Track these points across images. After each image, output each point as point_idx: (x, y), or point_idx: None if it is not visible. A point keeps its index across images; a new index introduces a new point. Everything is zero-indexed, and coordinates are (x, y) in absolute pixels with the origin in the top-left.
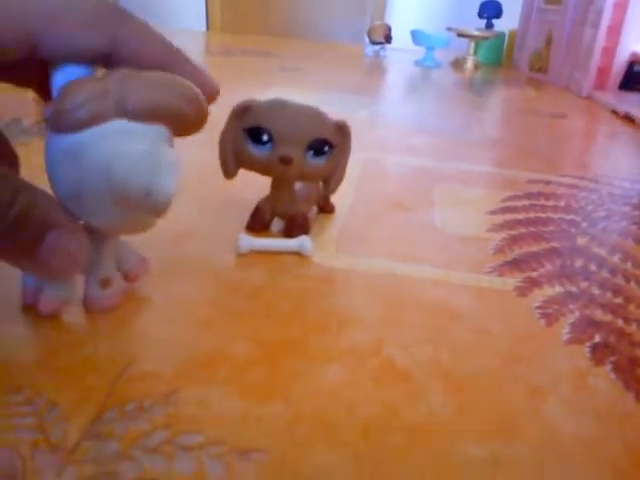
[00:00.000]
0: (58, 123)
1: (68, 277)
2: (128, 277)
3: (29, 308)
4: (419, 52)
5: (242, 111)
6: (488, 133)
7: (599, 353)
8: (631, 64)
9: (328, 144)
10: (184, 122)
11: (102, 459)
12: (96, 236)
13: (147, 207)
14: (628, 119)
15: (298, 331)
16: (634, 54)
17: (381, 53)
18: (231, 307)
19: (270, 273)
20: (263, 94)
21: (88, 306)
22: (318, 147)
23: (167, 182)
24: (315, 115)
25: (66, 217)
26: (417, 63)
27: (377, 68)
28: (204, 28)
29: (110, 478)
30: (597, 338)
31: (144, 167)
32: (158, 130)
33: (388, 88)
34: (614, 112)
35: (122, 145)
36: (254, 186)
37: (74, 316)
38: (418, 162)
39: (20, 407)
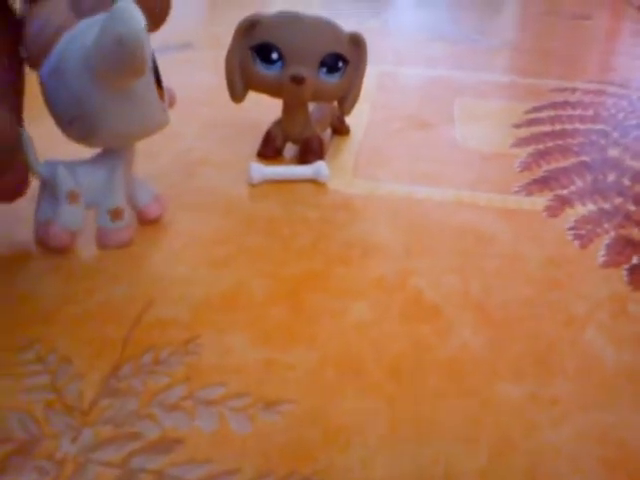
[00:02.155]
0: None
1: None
2: (143, 215)
3: (41, 245)
4: None
5: (248, 27)
6: (507, 38)
7: (637, 276)
8: None
9: (342, 59)
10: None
11: (120, 419)
12: (106, 163)
13: (122, 58)
14: None
15: (319, 265)
16: None
17: None
18: (247, 242)
19: (285, 204)
20: (270, 6)
21: (99, 240)
22: (332, 63)
23: (134, 27)
24: (328, 28)
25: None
26: None
27: None
28: None
29: (130, 440)
30: (635, 260)
31: (112, 22)
32: None
33: None
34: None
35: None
36: (265, 108)
37: (85, 259)
38: (435, 73)
39: (31, 365)
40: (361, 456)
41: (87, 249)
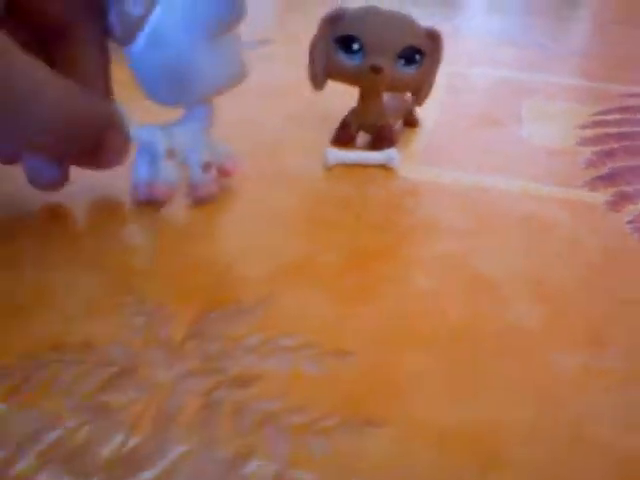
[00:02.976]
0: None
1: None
2: (222, 171)
3: (145, 201)
4: None
5: (333, 20)
6: (577, 45)
7: None
8: None
9: (419, 52)
10: None
11: (207, 356)
12: (195, 121)
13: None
14: None
15: (388, 240)
16: None
17: None
18: (322, 217)
19: (358, 185)
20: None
21: (192, 192)
22: (409, 55)
23: None
24: (407, 22)
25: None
26: None
27: None
28: None
29: (216, 372)
30: None
31: None
32: None
33: None
34: None
35: None
36: (341, 99)
37: (176, 218)
38: (504, 75)
39: (132, 307)
40: (421, 403)
41: (176, 206)
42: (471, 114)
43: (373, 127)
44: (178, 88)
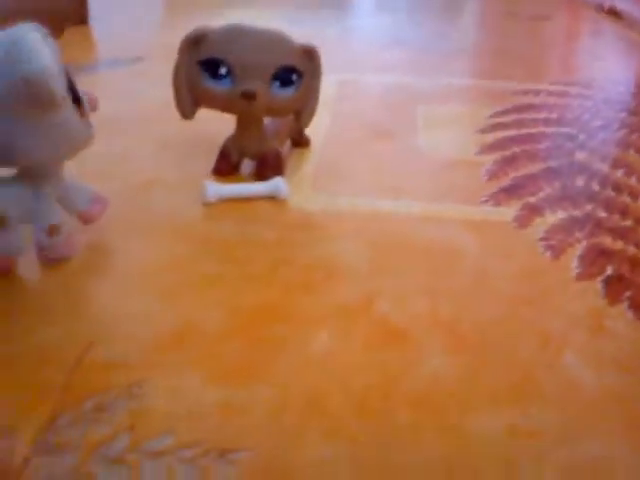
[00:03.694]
0: None
1: None
2: (84, 219)
3: None
4: None
5: (195, 41)
6: (466, 40)
7: (613, 288)
8: None
9: (296, 72)
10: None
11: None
12: (29, 181)
13: (31, 96)
14: (614, 14)
15: (278, 292)
16: None
17: None
18: (199, 269)
19: (242, 224)
20: (225, 19)
21: (40, 257)
22: (285, 76)
23: (37, 64)
24: (278, 40)
25: None
26: None
27: None
28: None
29: None
30: (609, 270)
31: (17, 62)
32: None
33: (358, 0)
34: (599, 7)
35: None
36: (219, 122)
37: (24, 290)
38: (396, 79)
39: None
40: None
41: (30, 271)
42: (364, 125)
43: (256, 153)
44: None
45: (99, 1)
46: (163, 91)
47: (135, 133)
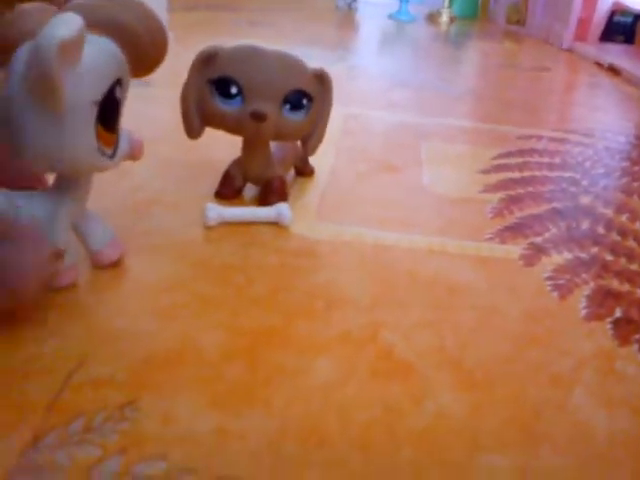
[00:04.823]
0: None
1: None
2: (94, 260)
3: None
4: (392, 5)
5: (206, 60)
6: (469, 86)
7: (622, 330)
8: (612, 14)
9: (307, 96)
10: (133, 39)
11: None
12: (52, 196)
13: (32, 68)
14: (612, 71)
15: (278, 318)
16: (616, 3)
17: (352, 6)
18: (198, 290)
19: (243, 248)
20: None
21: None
22: (296, 100)
23: (49, 37)
24: (291, 63)
25: None
26: (391, 17)
27: (350, 22)
28: None
29: None
30: (618, 312)
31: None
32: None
33: (363, 42)
34: (597, 64)
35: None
36: (224, 145)
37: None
38: (401, 117)
39: None
40: None
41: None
42: (369, 159)
43: (261, 179)
44: (15, 139)
45: None
46: (169, 114)
47: None
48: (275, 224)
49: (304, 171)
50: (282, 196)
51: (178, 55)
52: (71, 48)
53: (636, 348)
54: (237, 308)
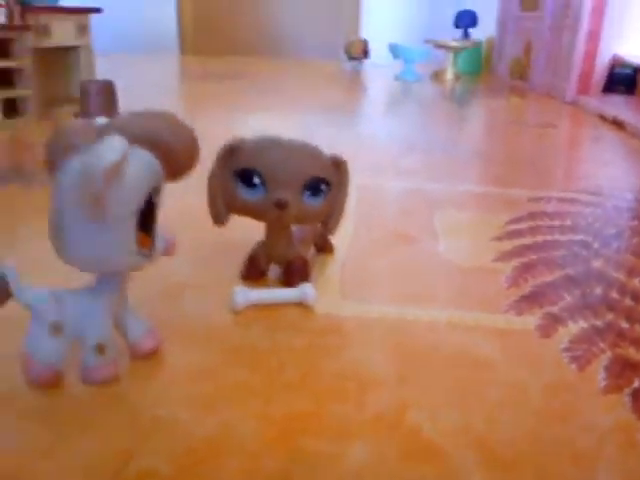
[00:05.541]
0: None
1: None
2: (134, 350)
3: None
4: (397, 66)
5: (230, 152)
6: (478, 147)
7: None
8: (612, 67)
9: (325, 182)
10: (168, 151)
11: None
12: (95, 293)
13: (79, 185)
14: (616, 124)
15: (309, 402)
16: (615, 57)
17: (359, 68)
18: (232, 377)
19: (271, 331)
20: (243, 122)
21: (82, 376)
22: (315, 186)
23: (97, 161)
24: (309, 152)
25: None
26: (397, 77)
27: (357, 84)
28: (177, 50)
29: None
30: (636, 383)
31: (89, 151)
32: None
33: (371, 105)
34: (601, 116)
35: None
36: (248, 228)
37: (64, 399)
38: (413, 185)
39: None
40: None
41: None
42: (385, 230)
43: (284, 259)
44: (58, 240)
45: (126, 107)
46: (194, 199)
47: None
48: (300, 304)
49: (325, 248)
50: (305, 276)
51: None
52: (116, 169)
53: None
54: (270, 394)
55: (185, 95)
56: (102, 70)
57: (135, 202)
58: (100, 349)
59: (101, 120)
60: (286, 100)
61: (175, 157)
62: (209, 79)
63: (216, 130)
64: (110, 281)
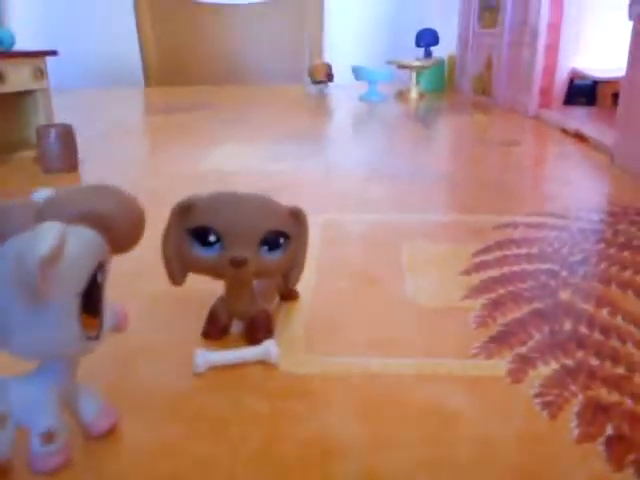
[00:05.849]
0: None
1: None
2: (89, 432)
3: None
4: (362, 87)
5: (183, 210)
6: (443, 169)
7: (615, 450)
8: (572, 80)
9: (283, 235)
10: (112, 226)
11: None
12: (41, 378)
13: (17, 276)
14: (579, 137)
15: (276, 475)
16: (574, 70)
17: (324, 91)
18: (194, 452)
19: (234, 395)
20: (206, 156)
21: (30, 465)
22: (273, 241)
23: (33, 250)
24: (265, 205)
25: None
26: (362, 98)
27: (322, 108)
28: (141, 82)
29: None
30: (609, 429)
31: (23, 239)
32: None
33: (336, 129)
34: (564, 130)
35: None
36: (208, 280)
37: None
38: (379, 217)
39: None
40: None
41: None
42: (350, 272)
43: (246, 315)
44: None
45: (87, 148)
46: (148, 254)
47: (121, 290)
48: (263, 362)
49: (289, 296)
50: (269, 331)
51: (156, 174)
52: (53, 258)
53: (632, 472)
54: (234, 468)
55: (149, 129)
56: (64, 106)
57: (76, 284)
58: (48, 437)
59: (42, 194)
60: (252, 129)
61: (120, 231)
62: (174, 111)
63: (179, 165)
64: (56, 365)
